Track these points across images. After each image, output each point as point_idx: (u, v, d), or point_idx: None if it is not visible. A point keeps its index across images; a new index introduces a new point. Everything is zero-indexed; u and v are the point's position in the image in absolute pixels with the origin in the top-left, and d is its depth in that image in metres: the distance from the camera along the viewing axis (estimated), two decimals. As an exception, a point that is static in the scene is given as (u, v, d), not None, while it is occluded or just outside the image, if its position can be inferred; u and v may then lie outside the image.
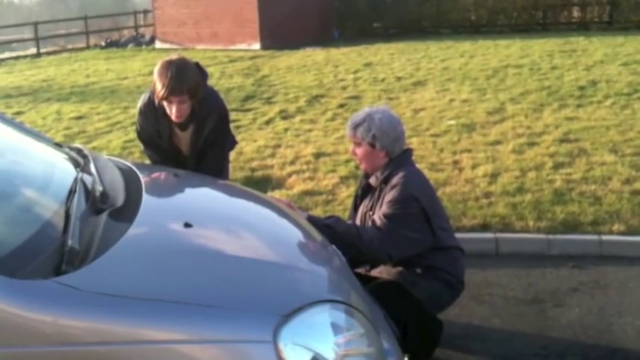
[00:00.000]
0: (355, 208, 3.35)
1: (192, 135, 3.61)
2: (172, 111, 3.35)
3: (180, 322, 1.73)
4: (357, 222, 3.21)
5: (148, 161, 4.02)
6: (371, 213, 3.10)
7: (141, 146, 4.07)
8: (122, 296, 1.74)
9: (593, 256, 4.37)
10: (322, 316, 1.94)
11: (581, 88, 9.05)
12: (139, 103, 3.63)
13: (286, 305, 1.86)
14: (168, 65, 3.27)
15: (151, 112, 3.54)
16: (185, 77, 3.28)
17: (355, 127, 3.09)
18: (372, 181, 3.13)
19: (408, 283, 3.02)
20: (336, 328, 1.96)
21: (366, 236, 2.90)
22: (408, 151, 3.19)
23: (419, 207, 2.94)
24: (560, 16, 19.66)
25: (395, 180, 2.99)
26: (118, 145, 7.34)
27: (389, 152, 3.07)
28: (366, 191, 3.23)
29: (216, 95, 3.73)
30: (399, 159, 3.09)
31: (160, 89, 3.25)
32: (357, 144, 3.11)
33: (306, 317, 1.86)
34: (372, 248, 2.90)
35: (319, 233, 2.71)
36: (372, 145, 3.05)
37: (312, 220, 2.95)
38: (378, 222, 2.92)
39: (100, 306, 1.70)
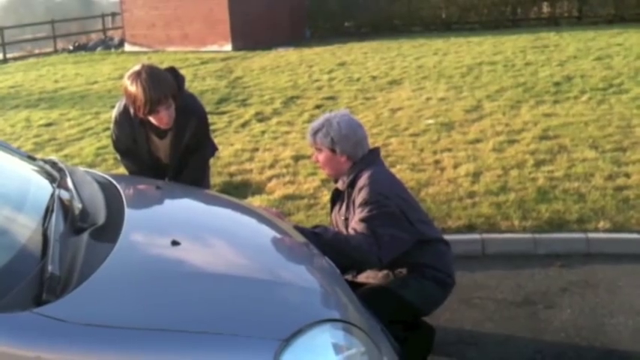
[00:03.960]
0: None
1: (171, 142, 3.49)
2: (162, 119, 3.23)
3: (173, 352, 1.61)
4: (335, 223, 3.16)
5: (123, 169, 3.89)
6: (343, 218, 3.04)
7: (117, 155, 3.93)
8: (110, 326, 1.61)
9: (580, 254, 4.33)
10: (323, 338, 1.84)
11: (557, 83, 9.07)
12: (114, 113, 3.50)
13: (285, 328, 1.75)
14: (138, 77, 3.12)
15: (127, 121, 3.41)
16: (162, 82, 3.17)
17: (314, 133, 3.04)
18: (340, 185, 3.07)
19: (396, 286, 2.96)
20: (337, 349, 1.86)
21: (353, 242, 2.81)
22: (375, 152, 3.12)
23: (392, 204, 2.87)
24: (530, 11, 19.85)
25: (361, 182, 2.93)
26: (90, 152, 7.15)
27: (350, 156, 3.01)
28: (336, 196, 3.18)
29: (194, 99, 3.61)
30: (364, 161, 3.02)
31: (142, 105, 3.11)
32: (318, 150, 3.07)
33: (306, 340, 1.75)
34: (362, 253, 2.81)
35: (311, 245, 2.60)
36: (333, 150, 3.00)
37: (300, 230, 2.85)
38: (359, 227, 2.83)
39: (87, 338, 1.57)
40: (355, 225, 2.86)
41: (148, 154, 3.56)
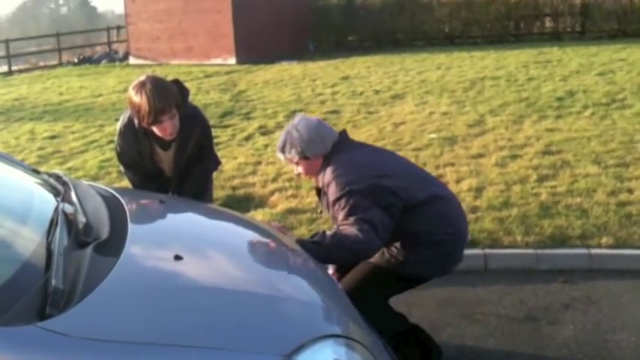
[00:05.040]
0: None
1: (175, 153, 3.52)
2: (165, 129, 3.26)
3: (176, 367, 1.61)
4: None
5: (126, 182, 3.91)
6: (329, 214, 3.02)
7: (121, 168, 3.96)
8: (113, 341, 1.61)
9: (583, 270, 4.33)
10: (325, 353, 1.83)
11: (559, 98, 9.09)
12: (119, 124, 3.53)
13: (287, 343, 1.75)
14: (143, 88, 3.16)
15: (131, 132, 3.44)
16: (166, 92, 3.21)
17: (281, 150, 3.05)
18: (319, 183, 3.03)
19: (395, 265, 2.94)
20: (339, 365, 1.86)
21: (351, 237, 2.76)
22: (341, 138, 3.05)
23: (364, 186, 2.82)
24: (533, 26, 19.87)
25: (326, 180, 2.91)
26: (94, 165, 7.17)
27: (323, 154, 2.98)
28: (320, 197, 3.12)
29: (197, 110, 3.65)
30: (329, 156, 2.98)
31: (146, 115, 3.15)
32: (295, 164, 3.06)
33: (308, 356, 1.75)
34: (362, 244, 2.77)
35: (312, 259, 2.60)
36: (306, 158, 2.99)
37: (300, 243, 2.85)
38: (347, 222, 2.79)
39: (90, 353, 1.57)
40: (343, 222, 2.83)
41: (151, 165, 3.58)
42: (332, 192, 2.86)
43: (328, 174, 2.90)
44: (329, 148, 2.98)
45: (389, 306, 3.08)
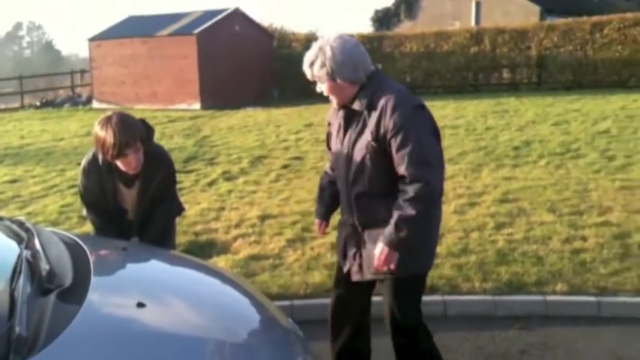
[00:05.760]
0: (328, 143, 3.16)
1: (138, 191, 3.56)
2: (130, 163, 3.32)
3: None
4: (344, 152, 2.91)
5: (87, 227, 3.91)
6: (359, 138, 2.84)
7: (83, 211, 3.96)
8: (76, 389, 1.63)
9: (539, 316, 4.43)
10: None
11: (516, 148, 9.37)
12: (83, 162, 3.58)
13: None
14: (109, 122, 3.27)
15: (95, 169, 3.50)
16: (132, 126, 3.32)
17: (310, 65, 2.86)
18: (357, 106, 2.85)
19: (407, 266, 2.85)
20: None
21: (417, 199, 2.67)
22: (379, 71, 2.91)
23: (427, 113, 2.80)
24: (491, 77, 20.54)
25: (382, 100, 2.75)
26: (54, 210, 7.11)
27: (354, 81, 2.82)
28: (349, 118, 2.92)
29: (162, 149, 3.74)
30: (375, 79, 2.84)
31: (111, 147, 3.23)
32: (319, 81, 2.88)
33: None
34: (425, 194, 2.69)
35: (271, 306, 2.64)
36: (333, 80, 2.81)
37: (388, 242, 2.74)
38: (415, 156, 2.67)
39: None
40: (407, 154, 2.69)
41: (114, 204, 3.60)
42: (397, 117, 2.70)
43: (386, 98, 2.74)
44: (361, 77, 2.82)
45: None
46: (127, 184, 3.53)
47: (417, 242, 2.83)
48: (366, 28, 34.68)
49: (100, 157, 3.40)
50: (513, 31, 19.67)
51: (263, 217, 6.44)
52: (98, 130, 3.28)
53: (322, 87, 2.89)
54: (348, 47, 2.80)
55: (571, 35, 18.84)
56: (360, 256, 3.01)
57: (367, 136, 2.80)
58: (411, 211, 2.69)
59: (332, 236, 5.73)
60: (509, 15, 25.81)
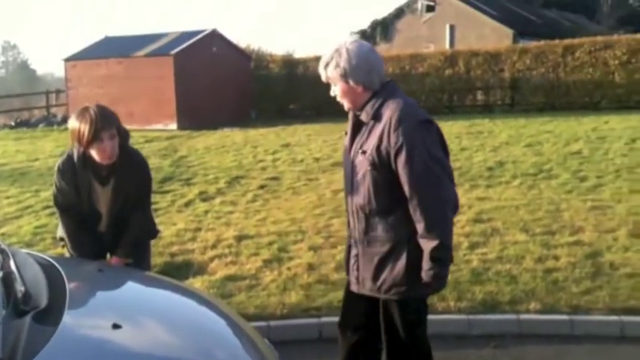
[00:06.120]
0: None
1: (113, 189, 3.55)
2: (105, 150, 3.35)
3: None
4: (349, 161, 2.95)
5: (61, 249, 3.88)
6: (361, 150, 2.86)
7: (57, 232, 3.92)
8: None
9: (512, 335, 4.47)
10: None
11: (490, 168, 9.50)
12: (58, 162, 3.61)
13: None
14: (86, 110, 3.35)
15: (70, 168, 3.51)
16: (108, 113, 3.39)
17: (325, 66, 2.87)
18: (364, 116, 2.87)
19: (412, 289, 2.90)
20: None
21: (435, 220, 2.76)
22: (393, 83, 2.95)
23: (434, 128, 2.81)
24: (466, 99, 20.84)
25: (388, 112, 2.77)
26: (28, 231, 7.04)
27: (367, 86, 2.84)
28: (357, 127, 2.95)
29: (139, 153, 3.77)
30: (387, 89, 2.87)
31: (87, 131, 3.28)
32: (333, 82, 2.90)
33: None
34: (442, 215, 2.79)
35: (248, 327, 2.66)
36: (346, 82, 2.83)
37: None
38: (426, 174, 2.72)
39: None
40: (404, 179, 2.74)
41: (88, 206, 3.58)
42: (403, 129, 2.72)
43: (392, 109, 2.77)
44: (375, 83, 2.84)
45: None
46: (102, 182, 3.54)
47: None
48: (343, 49, 34.68)
49: (75, 152, 3.44)
50: (487, 54, 19.99)
51: (240, 238, 6.44)
52: (74, 121, 3.37)
53: (335, 89, 2.91)
54: (363, 50, 2.85)
55: (543, 58, 19.19)
56: (358, 269, 3.04)
57: (369, 148, 2.82)
58: (434, 241, 2.75)
59: (308, 257, 5.76)
60: (482, 38, 26.30)
